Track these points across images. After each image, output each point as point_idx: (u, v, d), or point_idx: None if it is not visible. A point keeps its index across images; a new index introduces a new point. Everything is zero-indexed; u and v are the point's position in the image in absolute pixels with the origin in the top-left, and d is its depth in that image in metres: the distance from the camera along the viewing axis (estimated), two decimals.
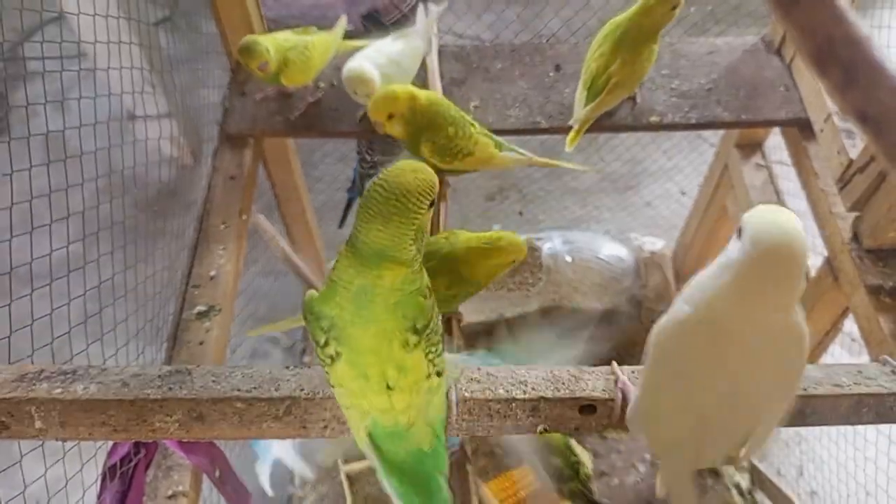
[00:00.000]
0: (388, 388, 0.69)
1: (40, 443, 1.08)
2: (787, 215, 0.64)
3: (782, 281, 0.64)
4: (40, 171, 1.25)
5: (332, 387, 0.73)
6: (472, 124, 1.26)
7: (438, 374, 0.73)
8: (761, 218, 0.64)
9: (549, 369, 0.82)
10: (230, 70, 1.58)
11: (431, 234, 1.19)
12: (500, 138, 1.32)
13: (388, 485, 0.73)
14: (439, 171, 1.32)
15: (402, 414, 0.70)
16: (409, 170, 0.67)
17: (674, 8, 1.28)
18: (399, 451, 0.72)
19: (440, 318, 0.74)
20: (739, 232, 0.65)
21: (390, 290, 0.68)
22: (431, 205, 0.68)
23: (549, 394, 0.78)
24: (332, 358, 0.70)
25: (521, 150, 1.34)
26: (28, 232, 1.19)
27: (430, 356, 0.71)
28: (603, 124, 1.51)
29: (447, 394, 0.77)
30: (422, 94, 1.21)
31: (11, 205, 1.18)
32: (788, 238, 0.62)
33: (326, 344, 0.70)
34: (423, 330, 0.70)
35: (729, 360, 0.68)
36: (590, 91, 1.36)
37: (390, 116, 1.19)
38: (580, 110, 1.37)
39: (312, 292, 0.71)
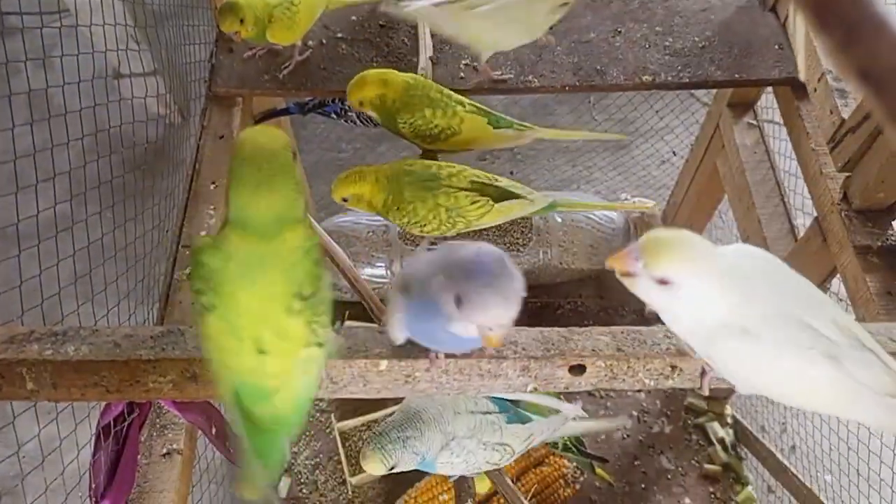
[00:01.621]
0: (261, 351, 0.68)
1: (33, 403, 1.09)
2: None
3: None
4: (24, 130, 1.23)
5: (203, 338, 0.71)
6: (461, 102, 1.22)
7: (319, 345, 0.72)
8: None
9: (540, 330, 0.82)
10: (216, 26, 1.54)
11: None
12: (499, 113, 1.27)
13: (242, 437, 0.73)
14: (427, 152, 1.28)
15: (272, 378, 0.70)
16: (259, 134, 0.68)
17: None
18: (258, 411, 0.72)
19: (330, 289, 0.73)
20: None
21: (291, 250, 0.67)
22: (294, 156, 0.69)
23: (538, 354, 0.79)
24: (205, 308, 0.69)
25: (522, 123, 1.28)
26: (14, 193, 1.17)
27: (314, 326, 0.70)
28: (595, 84, 1.49)
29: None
30: (398, 79, 1.20)
31: None
32: None
33: (203, 293, 0.69)
34: (309, 297, 0.68)
35: None
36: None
37: (360, 103, 1.21)
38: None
39: (204, 240, 0.70)
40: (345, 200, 1.16)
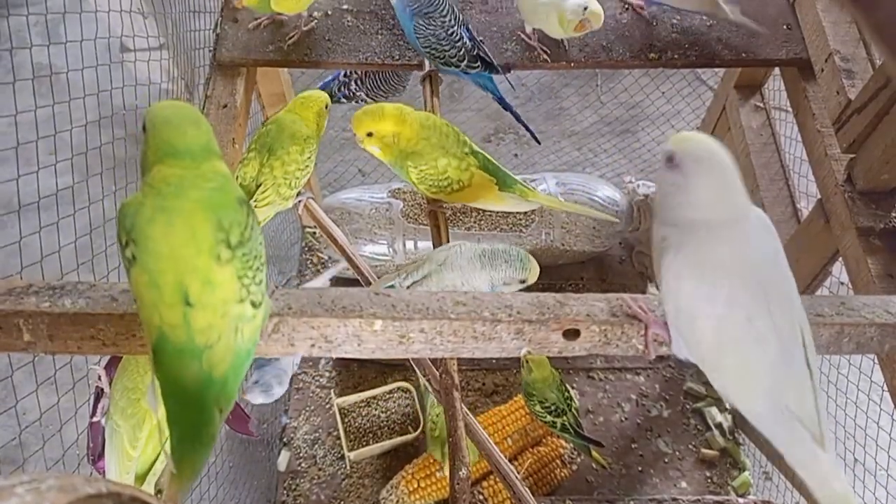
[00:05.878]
0: (188, 303, 0.62)
1: (31, 359, 1.10)
2: None
3: None
4: (29, 101, 1.23)
5: (135, 299, 0.65)
6: (475, 154, 1.16)
7: (254, 304, 0.67)
8: None
9: (535, 295, 0.82)
10: None
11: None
12: (509, 172, 1.20)
13: (160, 407, 0.65)
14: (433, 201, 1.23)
15: (201, 334, 0.63)
16: (174, 105, 0.70)
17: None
18: (184, 373, 0.64)
19: (263, 248, 0.68)
20: None
21: (211, 175, 0.64)
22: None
23: (533, 317, 0.79)
24: (129, 262, 0.64)
25: (527, 187, 1.20)
26: (15, 151, 1.17)
27: (246, 281, 0.65)
28: (601, 61, 1.49)
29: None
30: (415, 119, 1.13)
31: None
32: None
33: (126, 245, 0.64)
34: (237, 247, 0.64)
35: None
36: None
37: (369, 134, 1.12)
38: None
39: (127, 199, 0.67)
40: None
